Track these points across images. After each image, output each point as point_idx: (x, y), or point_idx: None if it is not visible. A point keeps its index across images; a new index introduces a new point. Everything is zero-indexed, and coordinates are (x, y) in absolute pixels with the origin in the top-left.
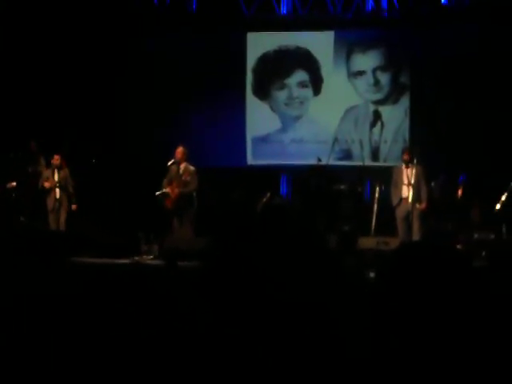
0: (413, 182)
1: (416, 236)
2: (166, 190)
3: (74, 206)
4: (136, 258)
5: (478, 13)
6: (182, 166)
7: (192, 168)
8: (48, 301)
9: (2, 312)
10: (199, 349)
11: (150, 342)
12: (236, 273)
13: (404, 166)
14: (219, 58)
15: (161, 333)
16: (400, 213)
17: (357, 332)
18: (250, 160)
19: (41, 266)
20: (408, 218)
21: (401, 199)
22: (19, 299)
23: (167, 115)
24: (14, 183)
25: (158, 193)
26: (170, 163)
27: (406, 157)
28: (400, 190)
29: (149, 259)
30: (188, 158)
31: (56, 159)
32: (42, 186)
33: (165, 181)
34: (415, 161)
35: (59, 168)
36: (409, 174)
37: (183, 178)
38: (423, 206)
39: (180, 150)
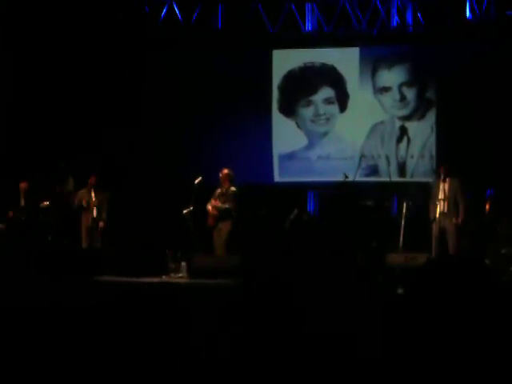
0: (441, 196)
1: (452, 251)
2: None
3: (101, 223)
4: (164, 277)
5: (503, 27)
6: (225, 187)
7: (233, 189)
8: (74, 319)
9: (27, 330)
10: (226, 365)
11: (178, 359)
12: (266, 289)
13: (441, 180)
14: (244, 76)
15: (188, 351)
16: (436, 228)
17: (386, 346)
18: (277, 177)
19: (67, 284)
20: (443, 233)
21: (437, 214)
22: (45, 317)
23: (193, 133)
24: (47, 202)
25: (185, 211)
26: (196, 181)
27: (440, 171)
28: (436, 205)
29: (177, 277)
30: (232, 179)
31: (92, 179)
32: (80, 205)
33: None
34: (442, 176)
35: (96, 187)
36: (445, 189)
37: (222, 196)
38: (459, 220)
39: (222, 172)
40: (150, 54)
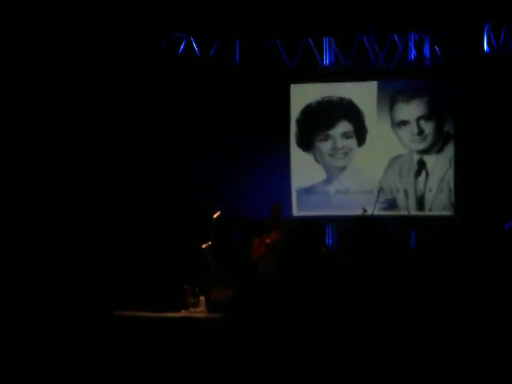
0: None
1: None
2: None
3: None
4: (183, 311)
5: None
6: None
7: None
8: (93, 353)
9: (49, 367)
10: None
11: None
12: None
13: None
14: (262, 110)
15: None
16: None
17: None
18: (296, 212)
19: (87, 318)
20: None
21: None
22: (64, 351)
23: (211, 168)
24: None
25: (204, 245)
26: (215, 216)
27: None
28: None
29: (196, 312)
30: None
31: None
32: None
33: None
34: None
35: None
36: None
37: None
38: None
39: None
40: (167, 88)
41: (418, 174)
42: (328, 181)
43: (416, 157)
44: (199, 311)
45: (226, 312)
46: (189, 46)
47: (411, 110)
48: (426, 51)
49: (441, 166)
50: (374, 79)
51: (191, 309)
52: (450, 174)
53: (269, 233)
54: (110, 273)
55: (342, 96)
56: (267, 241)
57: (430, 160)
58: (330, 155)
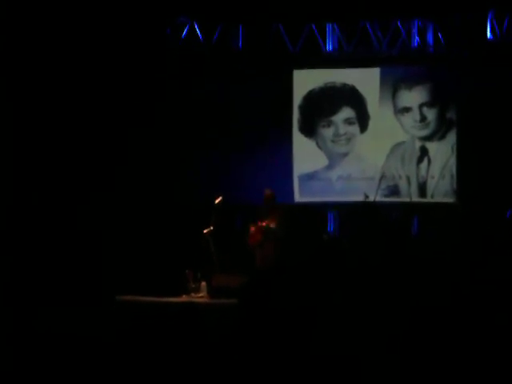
0: None
1: None
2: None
3: None
4: (184, 296)
5: None
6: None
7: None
8: (96, 339)
9: (55, 353)
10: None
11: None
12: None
13: None
14: (265, 96)
15: (208, 370)
16: None
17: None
18: (298, 197)
19: (90, 305)
20: None
21: None
22: (68, 338)
23: (214, 153)
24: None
25: (205, 231)
26: (217, 201)
27: None
28: None
29: (198, 297)
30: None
31: None
32: None
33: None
34: None
35: None
36: None
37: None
38: None
39: (266, 193)
40: (169, 74)
41: (420, 160)
42: (330, 167)
43: (418, 143)
44: (200, 296)
45: (236, 300)
46: (191, 32)
47: (414, 96)
48: (429, 38)
49: (443, 152)
50: (376, 65)
51: (192, 294)
52: (453, 160)
53: (263, 220)
54: (112, 257)
55: (345, 82)
56: (263, 224)
57: (433, 147)
58: (333, 141)
